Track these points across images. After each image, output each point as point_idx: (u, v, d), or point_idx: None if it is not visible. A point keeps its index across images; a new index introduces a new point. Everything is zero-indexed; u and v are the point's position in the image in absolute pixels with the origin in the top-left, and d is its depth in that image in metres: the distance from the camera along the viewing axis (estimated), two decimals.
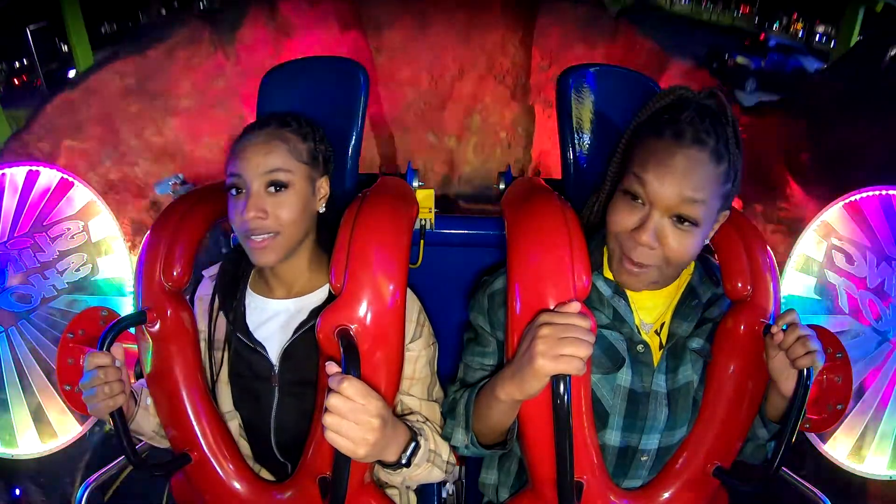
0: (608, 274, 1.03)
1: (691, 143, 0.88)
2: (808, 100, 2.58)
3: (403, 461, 0.94)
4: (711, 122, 0.90)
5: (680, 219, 0.88)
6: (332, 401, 0.80)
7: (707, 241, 0.99)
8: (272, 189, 1.01)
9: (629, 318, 1.02)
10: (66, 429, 1.58)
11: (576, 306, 0.88)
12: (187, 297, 1.14)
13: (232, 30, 3.43)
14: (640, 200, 0.90)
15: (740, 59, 6.53)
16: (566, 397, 0.84)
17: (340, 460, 0.84)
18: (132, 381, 1.07)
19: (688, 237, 0.89)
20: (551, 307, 0.92)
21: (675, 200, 0.87)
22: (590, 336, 0.83)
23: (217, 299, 1.11)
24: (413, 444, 0.95)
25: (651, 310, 1.04)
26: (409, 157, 3.06)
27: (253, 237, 1.01)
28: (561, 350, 0.81)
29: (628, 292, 1.02)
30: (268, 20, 3.74)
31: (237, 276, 1.15)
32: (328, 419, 0.80)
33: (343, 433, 0.81)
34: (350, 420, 0.81)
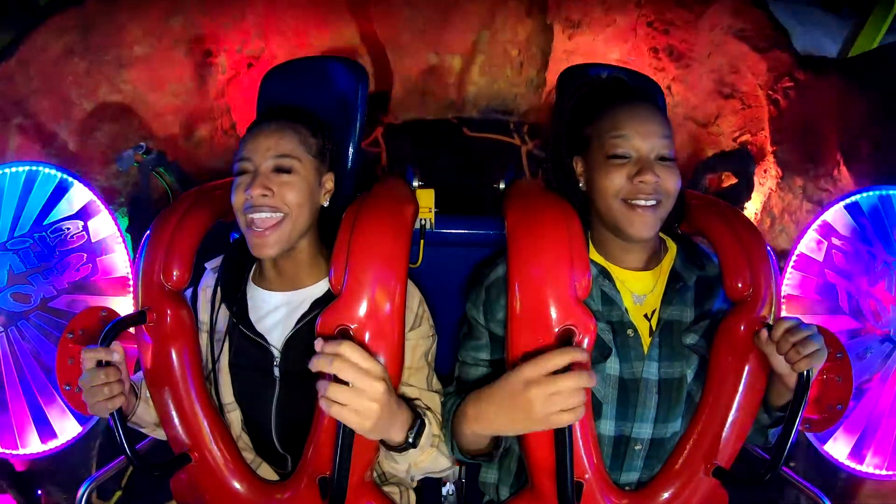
0: (594, 256, 1.07)
1: (644, 100, 1.05)
2: (880, 72, 1.91)
3: (410, 439, 0.92)
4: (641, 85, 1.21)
5: (662, 158, 1.00)
6: (336, 364, 0.76)
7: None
8: (280, 171, 1.02)
9: (617, 298, 1.03)
10: (66, 428, 1.58)
11: (561, 360, 0.81)
12: (189, 289, 1.14)
13: None
14: (625, 158, 0.99)
15: None
16: None
17: (342, 454, 0.83)
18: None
19: (673, 170, 1.00)
20: (551, 307, 0.92)
21: (657, 141, 0.99)
22: (580, 381, 0.79)
23: (219, 291, 1.12)
24: (419, 422, 0.93)
25: (639, 292, 1.05)
26: (406, 76, 2.67)
27: (255, 217, 1.00)
28: (555, 408, 0.80)
29: (613, 274, 1.05)
30: None
31: (239, 268, 1.15)
32: (332, 390, 0.76)
33: (348, 403, 0.77)
34: (355, 388, 0.77)
